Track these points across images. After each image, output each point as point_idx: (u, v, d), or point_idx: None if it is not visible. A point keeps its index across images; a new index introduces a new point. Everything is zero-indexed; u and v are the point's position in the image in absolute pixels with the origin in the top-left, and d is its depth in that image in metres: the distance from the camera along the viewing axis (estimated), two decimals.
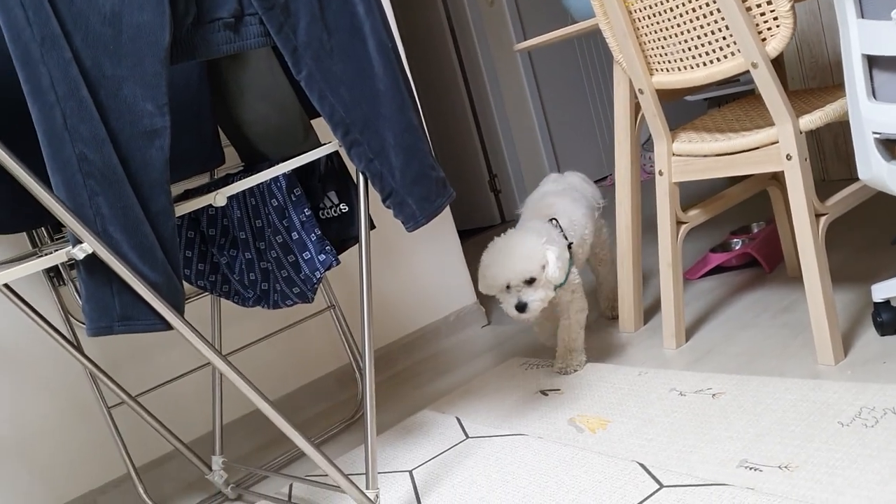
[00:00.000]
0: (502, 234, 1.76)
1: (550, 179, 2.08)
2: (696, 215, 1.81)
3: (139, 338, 1.87)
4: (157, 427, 1.69)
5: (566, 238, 1.80)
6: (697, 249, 2.41)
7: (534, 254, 1.68)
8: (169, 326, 1.24)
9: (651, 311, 2.08)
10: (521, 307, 1.67)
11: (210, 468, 1.75)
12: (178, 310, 1.25)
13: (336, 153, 1.55)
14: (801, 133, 1.49)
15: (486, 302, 2.49)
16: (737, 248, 2.25)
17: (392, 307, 2.29)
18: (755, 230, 2.30)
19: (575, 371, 1.84)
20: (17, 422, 1.78)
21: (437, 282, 2.37)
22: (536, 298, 1.68)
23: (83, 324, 1.77)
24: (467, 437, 1.67)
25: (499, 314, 2.46)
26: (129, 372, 1.76)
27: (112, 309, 1.20)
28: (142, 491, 1.72)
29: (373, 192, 1.47)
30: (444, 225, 2.39)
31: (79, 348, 1.65)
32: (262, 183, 1.53)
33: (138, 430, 1.75)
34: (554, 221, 1.81)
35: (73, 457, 1.83)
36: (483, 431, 1.67)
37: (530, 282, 1.68)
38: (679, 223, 1.79)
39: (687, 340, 1.84)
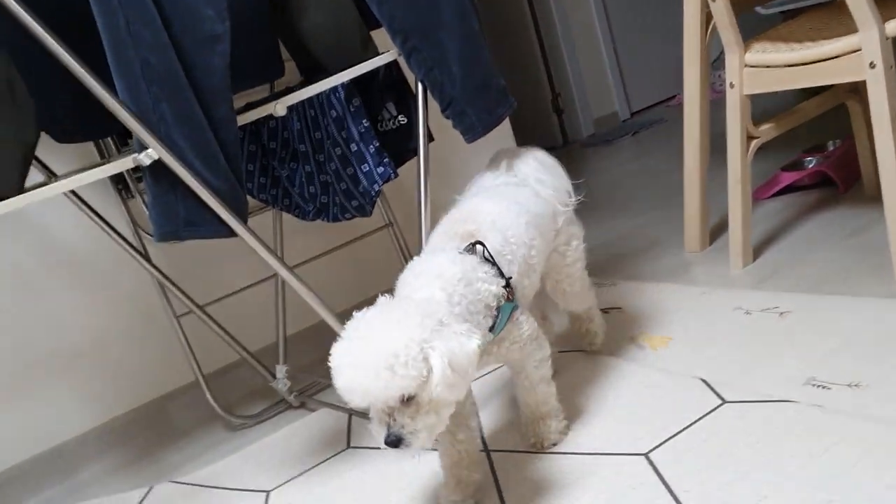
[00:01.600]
0: (366, 310, 1.07)
1: (489, 173, 1.40)
2: (767, 130, 1.74)
3: (205, 250, 1.90)
4: (223, 336, 1.74)
5: (500, 273, 1.18)
6: (767, 170, 2.33)
7: (408, 357, 0.99)
8: (232, 233, 1.25)
9: (717, 231, 2.02)
10: (394, 443, 1.03)
11: (274, 376, 1.80)
12: (242, 217, 1.26)
13: (395, 63, 1.53)
14: (886, 39, 1.40)
15: None
16: (810, 166, 2.16)
17: None
18: (830, 148, 2.21)
19: (554, 444, 1.29)
20: (91, 329, 1.85)
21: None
22: (419, 429, 1.03)
23: (151, 235, 1.82)
24: None
25: None
26: (196, 283, 1.80)
27: (177, 214, 1.22)
28: (210, 397, 1.78)
29: (432, 103, 1.45)
30: (503, 140, 2.35)
31: (147, 258, 1.69)
32: (321, 94, 1.52)
33: (205, 339, 1.80)
34: (478, 247, 1.19)
35: (143, 364, 1.90)
36: None
37: (408, 401, 1.02)
38: (749, 138, 1.72)
39: (754, 260, 1.79)
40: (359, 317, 1.05)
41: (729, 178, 1.75)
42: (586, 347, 1.56)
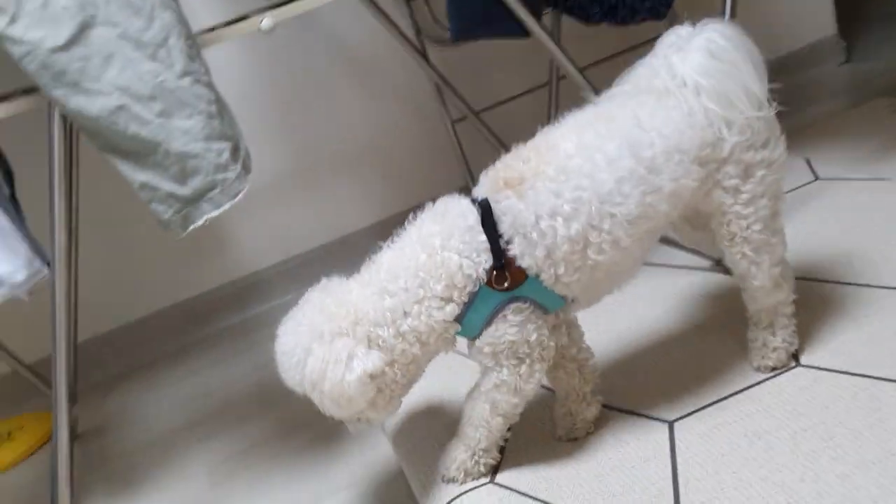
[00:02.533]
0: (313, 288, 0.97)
1: (642, 69, 0.99)
2: None
3: (482, 52, 1.90)
4: (495, 144, 1.76)
5: (495, 248, 0.91)
6: None
7: (290, 363, 0.92)
8: (526, 33, 1.22)
9: None
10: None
11: None
12: (537, 14, 1.22)
13: None
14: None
15: (848, 34, 2.18)
16: None
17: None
18: None
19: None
20: (371, 129, 1.94)
21: (789, 9, 2.11)
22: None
23: (434, 41, 1.83)
24: (817, 178, 1.54)
25: (861, 50, 2.16)
26: (469, 89, 1.81)
27: (474, 12, 1.21)
28: None
29: None
30: None
31: (427, 60, 1.71)
32: None
33: (477, 147, 1.83)
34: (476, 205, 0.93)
35: (419, 166, 1.98)
36: (837, 174, 1.53)
37: None
38: None
39: None
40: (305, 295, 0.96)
41: None
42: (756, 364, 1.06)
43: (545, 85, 1.79)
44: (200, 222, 1.06)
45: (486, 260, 0.90)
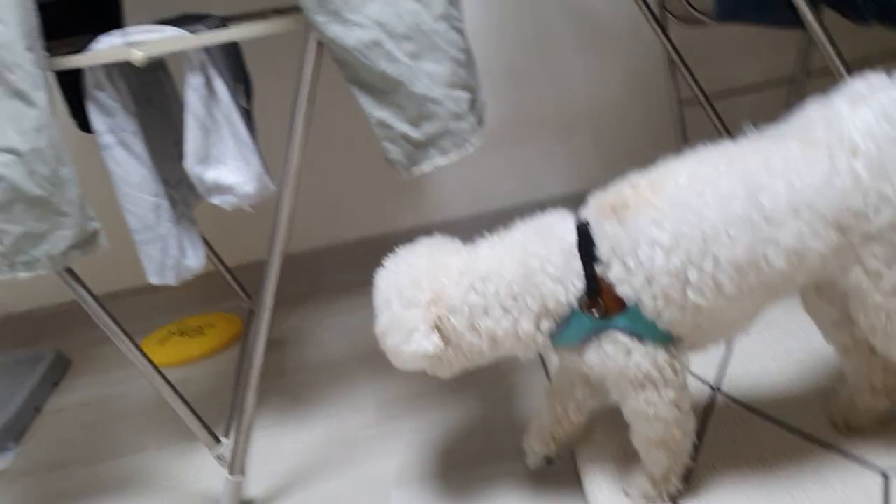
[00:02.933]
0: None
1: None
2: None
3: (721, 37, 1.79)
4: (722, 132, 1.66)
5: (590, 275, 0.90)
6: None
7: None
8: (801, 24, 1.13)
9: None
10: None
11: None
12: (815, 4, 1.12)
13: None
14: None
15: None
16: None
17: None
18: None
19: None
20: (591, 97, 1.88)
21: None
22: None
23: (676, 17, 1.74)
24: None
25: None
26: (703, 73, 1.71)
27: None
28: None
29: None
30: None
31: (666, 34, 1.63)
32: None
33: (698, 133, 1.74)
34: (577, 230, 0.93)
35: (632, 144, 1.91)
36: None
37: None
38: None
39: None
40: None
41: None
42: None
43: (787, 80, 1.66)
44: (426, 168, 1.06)
45: (580, 285, 0.89)
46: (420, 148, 1.05)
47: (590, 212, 0.93)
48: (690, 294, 0.86)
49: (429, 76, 1.01)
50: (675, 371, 0.91)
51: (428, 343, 0.92)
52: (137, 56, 1.03)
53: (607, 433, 1.10)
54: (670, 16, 1.77)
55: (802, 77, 1.59)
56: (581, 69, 1.86)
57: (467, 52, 1.05)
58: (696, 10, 1.72)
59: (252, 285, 1.75)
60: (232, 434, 1.18)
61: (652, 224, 0.86)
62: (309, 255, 1.88)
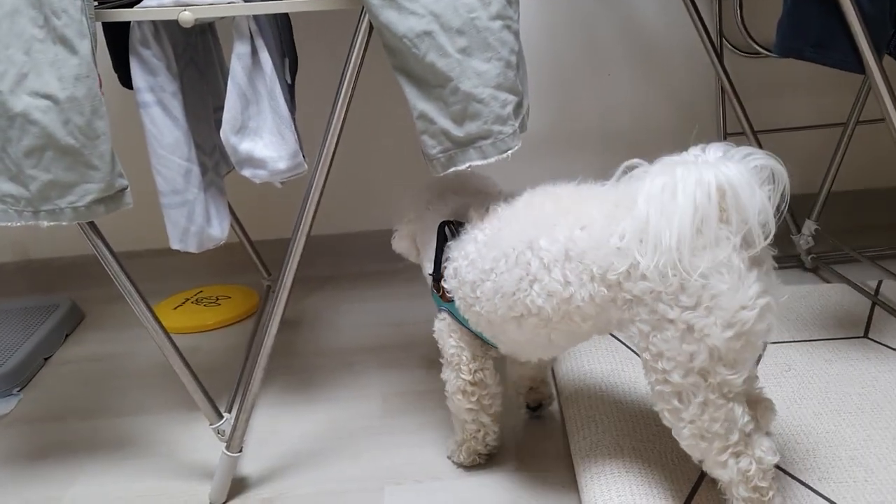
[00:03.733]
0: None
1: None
2: None
3: (780, 75, 1.76)
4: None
5: (437, 260, 1.10)
6: None
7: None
8: (862, 69, 1.09)
9: None
10: None
11: (798, 230, 1.66)
12: (878, 51, 1.09)
13: None
14: None
15: None
16: None
17: None
18: None
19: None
20: (635, 116, 1.85)
21: None
22: None
23: (734, 47, 1.71)
24: None
25: None
26: (752, 106, 1.68)
27: (810, 31, 1.09)
28: None
29: None
30: None
31: (721, 63, 1.60)
32: None
33: None
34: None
35: None
36: None
37: None
38: None
39: None
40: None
41: None
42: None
43: (839, 124, 1.62)
44: (462, 167, 1.04)
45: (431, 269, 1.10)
46: (459, 146, 1.03)
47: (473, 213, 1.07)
48: (476, 306, 1.02)
49: (477, 74, 1.00)
50: (469, 369, 1.08)
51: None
52: (186, 16, 1.02)
53: (603, 430, 1.08)
54: (727, 44, 1.74)
55: (854, 122, 1.56)
56: (628, 87, 1.83)
57: (519, 54, 1.03)
58: (755, 41, 1.69)
59: (273, 262, 1.74)
60: (234, 410, 1.17)
61: (471, 240, 1.04)
62: (333, 240, 1.87)
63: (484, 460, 1.17)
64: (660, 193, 0.81)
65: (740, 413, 0.86)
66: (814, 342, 1.36)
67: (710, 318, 0.82)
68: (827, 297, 1.52)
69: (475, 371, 1.09)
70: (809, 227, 1.64)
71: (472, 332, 1.08)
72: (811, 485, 1.02)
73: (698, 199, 0.79)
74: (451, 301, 1.07)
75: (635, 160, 0.87)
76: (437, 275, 1.08)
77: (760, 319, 0.83)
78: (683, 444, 0.90)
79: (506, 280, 0.96)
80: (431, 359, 1.49)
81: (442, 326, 1.11)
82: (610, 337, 1.36)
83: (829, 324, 1.41)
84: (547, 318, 0.94)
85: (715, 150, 0.84)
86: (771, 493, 0.89)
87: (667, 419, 0.90)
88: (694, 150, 0.86)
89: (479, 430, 1.13)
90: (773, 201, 0.82)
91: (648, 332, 0.87)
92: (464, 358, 1.09)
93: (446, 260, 1.07)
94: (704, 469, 0.92)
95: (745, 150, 0.84)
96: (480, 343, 1.09)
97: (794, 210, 1.65)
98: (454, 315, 1.08)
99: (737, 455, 0.87)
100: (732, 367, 0.84)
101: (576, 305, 0.91)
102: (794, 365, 1.28)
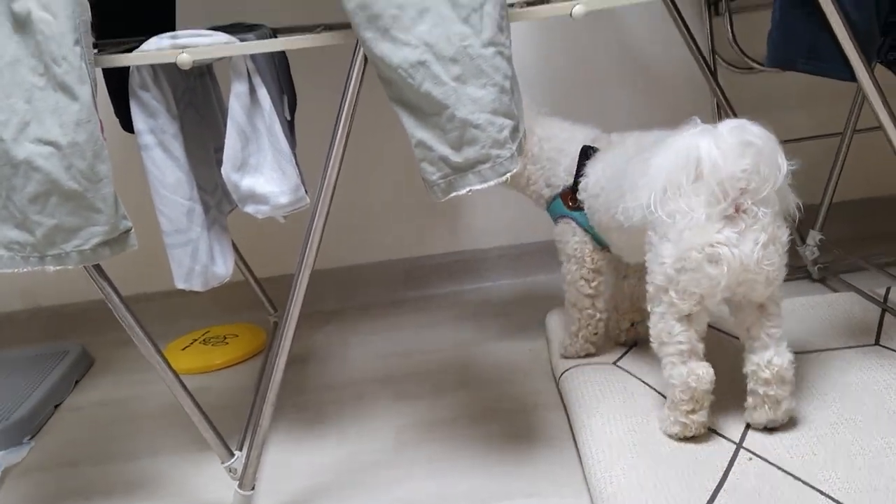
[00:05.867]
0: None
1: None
2: None
3: (777, 88, 1.77)
4: None
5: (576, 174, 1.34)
6: None
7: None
8: (853, 77, 1.10)
9: None
10: None
11: (803, 241, 1.66)
12: (869, 60, 1.09)
13: None
14: None
15: None
16: None
17: None
18: None
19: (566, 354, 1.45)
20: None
21: None
22: None
23: (728, 63, 1.73)
24: None
25: None
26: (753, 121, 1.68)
27: (802, 42, 1.10)
28: None
29: None
30: None
31: (716, 80, 1.61)
32: None
33: None
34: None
35: None
36: None
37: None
38: None
39: None
40: None
41: None
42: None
43: (836, 134, 1.63)
44: (462, 192, 1.04)
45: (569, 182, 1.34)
46: (458, 172, 1.04)
47: (602, 141, 1.33)
48: (595, 216, 1.29)
49: (473, 101, 1.00)
50: (592, 259, 1.34)
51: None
52: (184, 59, 1.03)
53: (618, 453, 1.07)
54: (721, 61, 1.75)
55: (851, 131, 1.56)
56: (626, 107, 1.84)
57: (513, 79, 1.04)
58: (748, 56, 1.71)
59: (279, 298, 1.74)
60: (245, 447, 1.16)
61: (599, 161, 1.28)
62: (337, 273, 1.87)
63: (593, 350, 1.40)
64: (664, 148, 1.04)
65: (678, 332, 1.08)
66: (826, 352, 1.35)
67: (670, 249, 1.05)
68: (836, 306, 1.51)
69: (597, 260, 1.34)
70: (814, 237, 1.64)
71: (590, 234, 1.33)
72: (832, 495, 1.01)
73: (677, 158, 1.02)
74: (580, 209, 1.31)
75: (695, 117, 1.05)
76: (575, 187, 1.31)
77: (711, 263, 1.02)
78: (650, 342, 1.13)
79: (609, 197, 1.22)
80: (442, 388, 1.49)
81: (565, 229, 1.35)
82: (619, 368, 1.36)
83: (839, 333, 1.41)
84: (628, 231, 1.16)
85: (725, 123, 1.03)
86: (686, 408, 1.10)
87: None
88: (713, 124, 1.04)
89: (594, 315, 1.37)
90: (758, 174, 1.01)
91: (647, 251, 1.11)
92: (586, 250, 1.34)
93: (581, 176, 1.30)
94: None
95: (746, 126, 1.02)
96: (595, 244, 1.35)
97: (798, 221, 1.65)
98: (578, 221, 1.33)
99: (672, 364, 1.10)
100: (680, 295, 1.06)
101: (636, 225, 1.11)
102: (807, 376, 1.27)
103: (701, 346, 1.11)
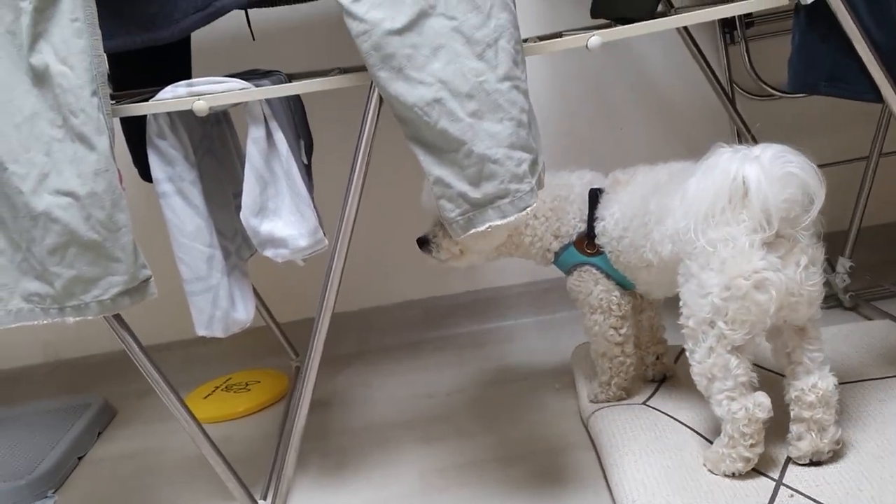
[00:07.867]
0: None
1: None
2: None
3: (800, 115, 1.75)
4: None
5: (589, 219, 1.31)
6: None
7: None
8: (879, 98, 1.08)
9: None
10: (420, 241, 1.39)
11: (833, 269, 1.62)
12: (894, 78, 1.07)
13: None
14: None
15: None
16: None
17: None
18: None
19: (595, 399, 1.39)
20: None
21: None
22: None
23: (745, 91, 1.71)
24: None
25: None
26: None
27: (823, 66, 1.09)
28: None
29: None
30: None
31: (734, 107, 1.59)
32: None
33: None
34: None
35: None
36: None
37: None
38: None
39: None
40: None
41: None
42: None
43: (861, 159, 1.60)
44: (482, 228, 1.03)
45: (583, 228, 1.30)
46: (478, 208, 1.02)
47: (607, 181, 1.30)
48: (621, 257, 1.24)
49: (490, 136, 0.99)
50: (619, 306, 1.30)
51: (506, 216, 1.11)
52: (200, 106, 1.04)
53: (653, 492, 1.03)
54: (739, 89, 1.74)
55: (878, 155, 1.53)
56: (644, 139, 1.83)
57: (529, 113, 1.03)
58: (766, 83, 1.69)
59: (300, 343, 1.73)
60: (270, 496, 1.14)
61: (615, 202, 1.25)
62: (357, 316, 1.86)
63: (625, 396, 1.36)
64: (701, 174, 1.02)
65: (735, 364, 1.03)
66: (864, 382, 1.31)
67: (714, 279, 1.01)
68: (871, 334, 1.47)
69: (623, 306, 1.30)
70: (844, 264, 1.61)
71: (614, 278, 1.29)
72: None
73: (722, 183, 0.99)
74: (600, 254, 1.27)
75: (719, 143, 1.04)
76: (591, 232, 1.28)
77: (758, 290, 0.99)
78: (694, 380, 1.08)
79: (635, 236, 1.19)
80: (467, 430, 1.46)
81: (585, 278, 1.30)
82: (648, 407, 1.33)
83: (877, 362, 1.36)
84: (659, 267, 1.15)
85: (764, 149, 1.00)
86: (751, 442, 1.05)
87: (688, 357, 1.09)
88: (748, 146, 1.03)
89: (625, 362, 1.33)
90: (798, 203, 1.00)
91: (682, 283, 1.07)
92: (613, 298, 1.29)
93: (595, 220, 1.27)
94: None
95: (787, 154, 1.00)
96: (620, 288, 1.31)
97: (826, 249, 1.62)
98: (600, 266, 1.28)
99: (731, 399, 1.04)
100: (731, 325, 1.01)
101: (666, 259, 1.12)
102: (846, 407, 1.23)
103: (755, 376, 1.06)
